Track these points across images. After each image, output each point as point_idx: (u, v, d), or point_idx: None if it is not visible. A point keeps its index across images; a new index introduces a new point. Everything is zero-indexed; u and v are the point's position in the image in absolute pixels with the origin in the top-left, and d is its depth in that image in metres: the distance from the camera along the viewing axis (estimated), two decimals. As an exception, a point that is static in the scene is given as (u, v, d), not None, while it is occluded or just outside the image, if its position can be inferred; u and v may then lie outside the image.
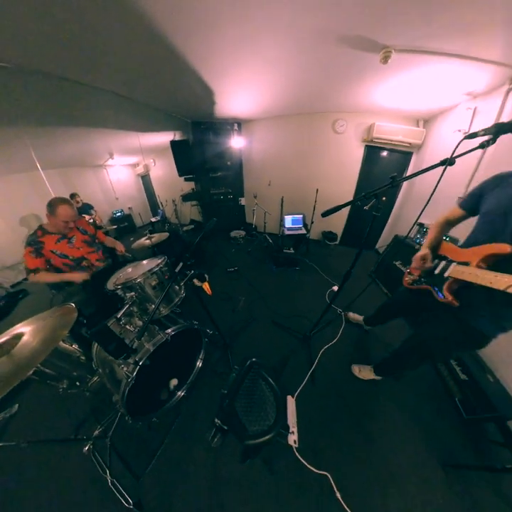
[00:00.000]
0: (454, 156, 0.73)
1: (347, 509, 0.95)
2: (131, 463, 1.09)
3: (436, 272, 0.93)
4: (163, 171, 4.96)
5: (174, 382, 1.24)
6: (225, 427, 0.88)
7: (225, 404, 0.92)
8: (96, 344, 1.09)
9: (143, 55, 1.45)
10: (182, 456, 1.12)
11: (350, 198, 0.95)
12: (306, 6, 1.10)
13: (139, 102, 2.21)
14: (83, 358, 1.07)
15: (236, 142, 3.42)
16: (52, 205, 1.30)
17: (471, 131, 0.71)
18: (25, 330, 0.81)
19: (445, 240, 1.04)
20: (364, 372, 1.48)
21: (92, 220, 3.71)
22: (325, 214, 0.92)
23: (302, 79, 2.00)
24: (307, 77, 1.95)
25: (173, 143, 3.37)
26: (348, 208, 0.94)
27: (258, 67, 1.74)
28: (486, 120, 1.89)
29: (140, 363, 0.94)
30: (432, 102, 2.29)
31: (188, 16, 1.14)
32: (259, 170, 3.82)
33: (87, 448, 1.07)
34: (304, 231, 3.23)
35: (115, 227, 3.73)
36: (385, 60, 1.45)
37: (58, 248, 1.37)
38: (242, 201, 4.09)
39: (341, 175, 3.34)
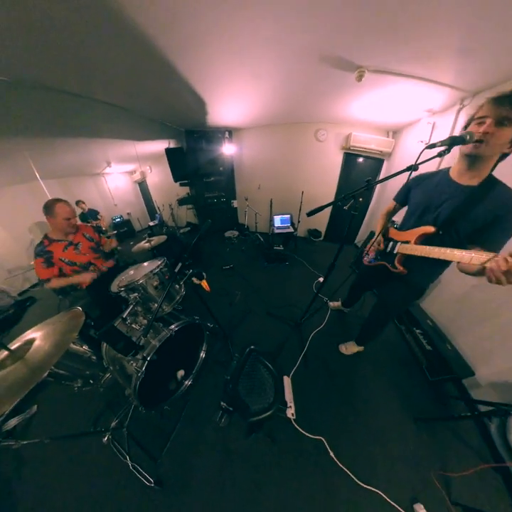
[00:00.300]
0: (417, 162, 0.77)
1: (340, 465, 1.02)
2: (148, 448, 1.09)
3: (388, 250, 1.07)
4: (159, 177, 4.79)
5: (181, 373, 1.24)
6: (231, 408, 0.91)
7: (229, 388, 0.94)
8: (105, 344, 1.06)
9: (137, 69, 1.39)
10: (194, 437, 1.13)
11: (332, 199, 0.98)
12: (291, 28, 1.10)
13: (134, 112, 2.11)
14: (94, 357, 1.04)
15: (227, 149, 3.35)
16: (49, 206, 1.22)
17: (431, 142, 0.74)
18: (36, 335, 0.77)
19: (392, 226, 1.16)
20: (350, 348, 1.57)
21: (97, 225, 3.55)
22: (310, 213, 0.94)
23: (288, 92, 2.00)
24: (292, 90, 1.96)
25: (168, 150, 3.25)
26: (330, 207, 0.96)
27: (247, 80, 1.71)
28: (442, 133, 2.00)
29: (148, 359, 0.93)
30: (399, 116, 2.39)
31: (179, 33, 1.11)
32: (250, 175, 3.78)
33: (106, 438, 1.06)
34: (291, 229, 3.25)
35: (115, 232, 3.58)
36: (360, 78, 1.49)
37: (66, 256, 1.30)
38: (235, 204, 4.04)
39: (323, 178, 3.38)
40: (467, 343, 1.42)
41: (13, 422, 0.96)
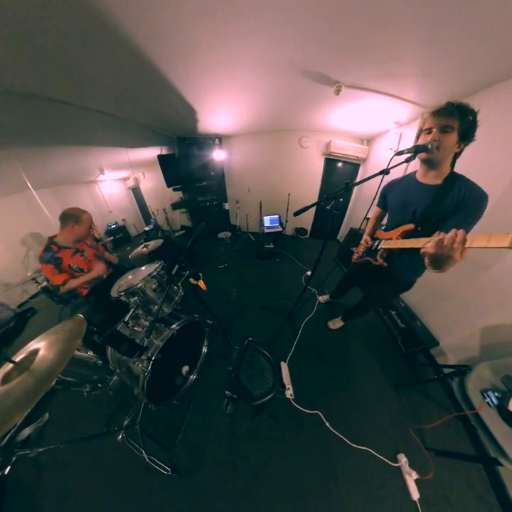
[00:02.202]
0: (388, 167, 0.81)
1: (335, 432, 1.08)
2: (161, 440, 1.08)
3: (373, 247, 1.10)
4: (152, 183, 4.58)
5: (186, 368, 1.22)
6: (235, 396, 0.92)
7: (232, 378, 0.94)
8: (110, 348, 1.02)
9: (129, 78, 1.30)
10: (204, 426, 1.13)
11: (316, 200, 0.99)
12: (276, 43, 1.10)
13: (126, 119, 1.98)
14: (100, 362, 1.00)
15: (218, 155, 3.27)
16: (77, 215, 1.19)
17: (399, 150, 0.78)
18: (40, 345, 0.72)
19: (380, 228, 1.20)
20: (336, 323, 1.69)
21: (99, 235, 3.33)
22: (296, 213, 0.95)
23: (273, 102, 2.00)
24: (278, 101, 1.96)
25: (160, 157, 3.11)
26: (315, 207, 0.98)
27: (235, 90, 1.67)
28: (408, 142, 2.11)
29: (153, 358, 0.91)
30: (371, 127, 2.48)
31: (170, 44, 1.06)
32: (240, 179, 3.73)
33: (120, 437, 1.03)
34: (280, 228, 3.26)
35: (111, 238, 3.31)
36: (338, 92, 1.52)
37: (75, 262, 1.22)
38: (226, 206, 3.97)
39: (307, 181, 3.41)
40: (432, 319, 1.54)
41: (26, 432, 0.90)
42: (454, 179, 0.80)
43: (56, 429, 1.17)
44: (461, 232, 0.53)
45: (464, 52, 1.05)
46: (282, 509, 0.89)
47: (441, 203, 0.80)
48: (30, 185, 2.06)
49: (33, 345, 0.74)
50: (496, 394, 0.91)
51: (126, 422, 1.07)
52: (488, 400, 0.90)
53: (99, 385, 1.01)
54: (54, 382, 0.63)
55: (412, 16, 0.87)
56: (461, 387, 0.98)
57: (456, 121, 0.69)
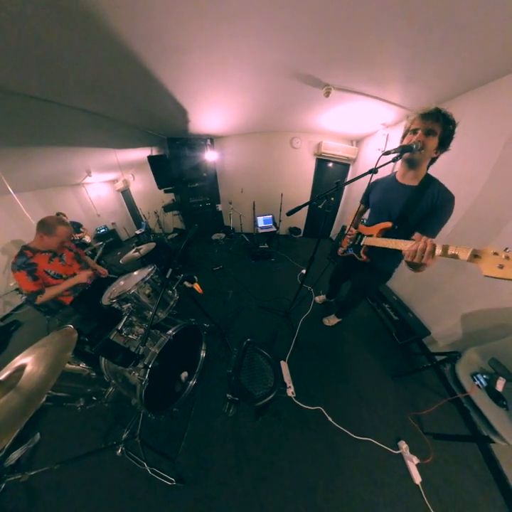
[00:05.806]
0: (376, 167, 0.82)
1: (337, 426, 1.10)
2: (163, 450, 1.03)
3: (356, 242, 1.15)
4: (142, 185, 4.45)
5: (185, 374, 1.19)
6: (236, 398, 0.90)
7: (232, 381, 0.92)
8: (103, 358, 0.97)
9: (117, 76, 1.24)
10: (206, 431, 1.10)
11: (308, 200, 1.00)
12: (266, 45, 1.10)
13: (114, 119, 1.89)
14: (93, 374, 0.94)
15: (210, 156, 3.23)
16: (50, 225, 1.08)
17: (386, 150, 0.80)
18: (27, 360, 0.67)
19: (362, 222, 1.24)
20: (331, 320, 1.71)
21: (80, 239, 3.17)
22: (290, 213, 0.96)
23: (265, 103, 2.01)
24: (269, 102, 1.97)
25: (150, 158, 3.02)
26: (307, 207, 0.99)
27: (227, 91, 1.65)
28: (395, 143, 2.17)
29: (150, 366, 0.87)
30: (360, 128, 2.56)
31: (160, 43, 1.03)
32: (232, 179, 3.70)
33: (119, 451, 0.97)
34: (274, 228, 3.29)
35: (101, 243, 3.14)
36: (327, 94, 1.55)
37: (52, 267, 1.14)
38: (219, 207, 3.93)
39: (299, 181, 3.45)
40: (423, 310, 1.62)
41: (15, 456, 0.81)
42: (429, 181, 0.86)
43: (49, 450, 1.09)
44: (429, 242, 0.61)
45: (442, 61, 1.13)
46: (292, 508, 0.88)
47: (416, 204, 0.85)
48: (10, 189, 1.93)
49: (18, 360, 0.69)
50: (485, 376, 0.97)
51: (125, 435, 1.02)
52: (477, 382, 0.96)
53: (94, 398, 0.95)
54: (44, 399, 0.59)
55: (397, 26, 0.91)
56: (453, 372, 1.03)
57: (439, 127, 0.73)
